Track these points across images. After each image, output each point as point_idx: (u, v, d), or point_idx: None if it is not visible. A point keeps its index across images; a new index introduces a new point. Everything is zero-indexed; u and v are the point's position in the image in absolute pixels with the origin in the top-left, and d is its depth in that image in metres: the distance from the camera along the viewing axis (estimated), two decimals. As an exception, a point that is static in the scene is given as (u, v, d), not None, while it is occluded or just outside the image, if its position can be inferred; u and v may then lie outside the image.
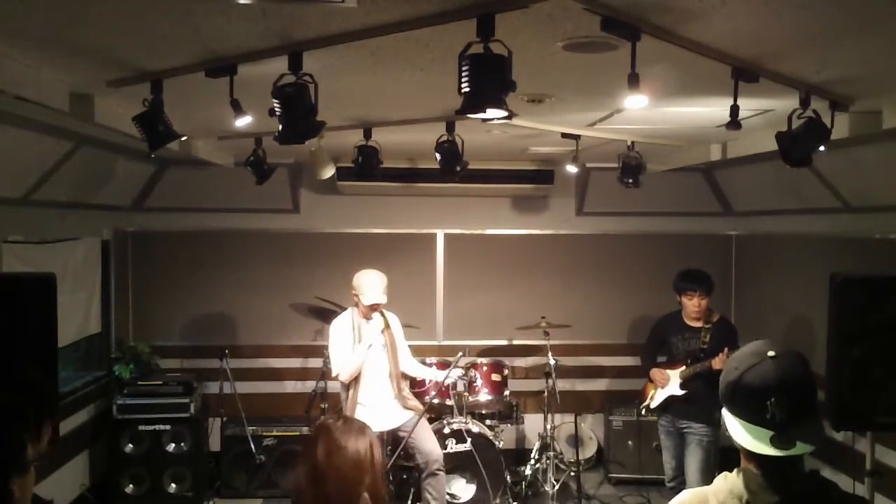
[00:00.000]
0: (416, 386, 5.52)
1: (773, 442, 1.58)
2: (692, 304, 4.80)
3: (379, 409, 4.73)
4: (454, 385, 5.35)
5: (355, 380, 4.74)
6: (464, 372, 5.32)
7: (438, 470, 4.75)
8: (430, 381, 5.31)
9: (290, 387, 6.47)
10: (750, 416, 1.62)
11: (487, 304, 6.58)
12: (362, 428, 2.19)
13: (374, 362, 4.77)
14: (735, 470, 1.69)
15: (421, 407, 4.85)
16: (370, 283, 4.70)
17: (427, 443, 4.75)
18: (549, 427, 5.62)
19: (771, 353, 1.63)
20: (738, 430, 1.64)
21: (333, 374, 4.81)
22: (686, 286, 4.83)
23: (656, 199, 6.38)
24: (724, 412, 1.71)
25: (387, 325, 4.79)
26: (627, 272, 6.62)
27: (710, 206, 6.63)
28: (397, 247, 6.54)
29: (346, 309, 4.97)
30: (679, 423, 4.84)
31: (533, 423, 6.32)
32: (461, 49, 2.22)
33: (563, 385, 5.99)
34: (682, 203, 6.57)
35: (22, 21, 2.36)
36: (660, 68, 2.81)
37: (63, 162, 4.49)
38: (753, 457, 1.64)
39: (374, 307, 4.70)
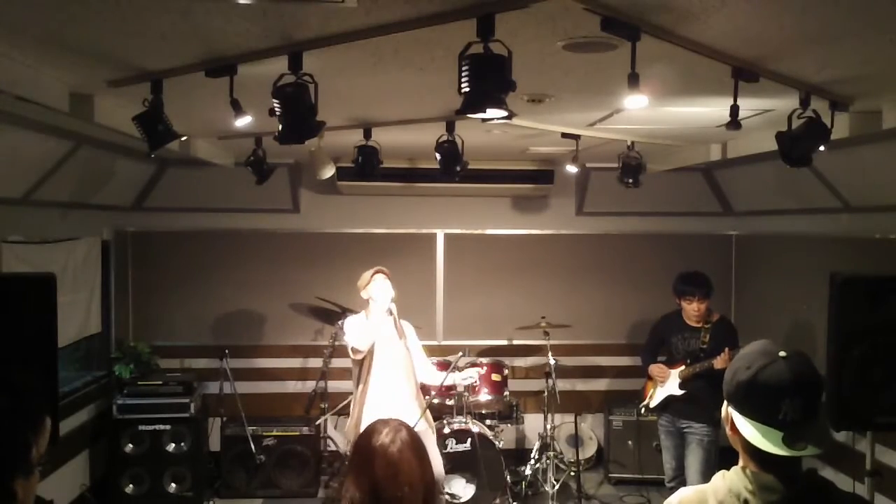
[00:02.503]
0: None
1: (785, 442, 1.58)
2: (692, 308, 4.80)
3: (391, 409, 4.58)
4: (454, 385, 5.33)
5: (368, 376, 4.61)
6: (472, 377, 5.21)
7: (440, 492, 4.71)
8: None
9: (290, 387, 6.47)
10: (762, 416, 1.61)
11: (487, 304, 6.59)
12: (412, 440, 2.16)
13: (387, 360, 4.66)
14: (733, 468, 1.69)
15: (430, 421, 4.79)
16: (368, 275, 4.64)
17: (432, 459, 4.69)
18: (549, 427, 5.63)
19: (782, 354, 1.63)
20: (750, 431, 1.63)
21: (350, 346, 4.61)
22: (685, 290, 4.82)
23: (656, 199, 6.38)
24: (733, 412, 1.69)
25: (396, 323, 4.67)
26: (627, 272, 6.63)
27: (710, 206, 6.63)
28: (397, 247, 6.54)
29: (353, 311, 4.93)
30: (679, 423, 4.84)
31: (533, 423, 6.33)
32: (461, 49, 2.22)
33: (563, 385, 5.99)
34: (682, 203, 6.57)
35: (22, 21, 2.36)
36: (660, 68, 2.81)
37: (63, 162, 4.49)
38: (755, 456, 1.64)
39: (378, 271, 4.62)
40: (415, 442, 2.15)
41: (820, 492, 1.65)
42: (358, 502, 2.08)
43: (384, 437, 2.12)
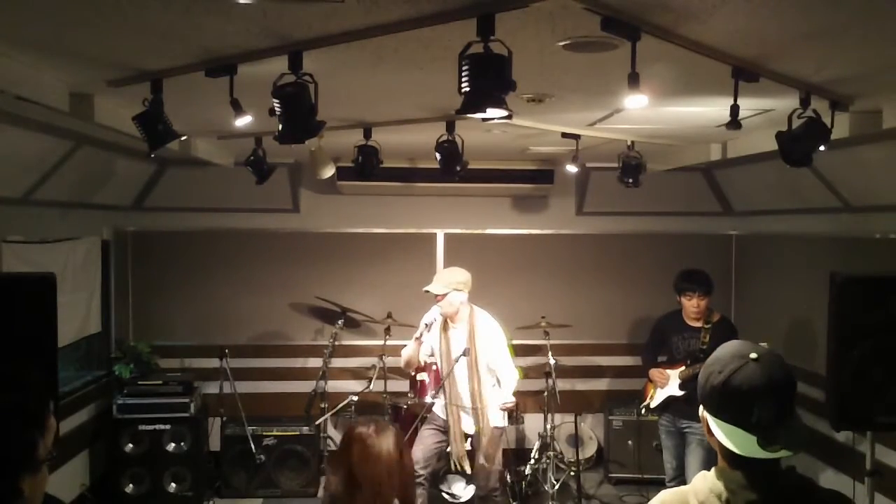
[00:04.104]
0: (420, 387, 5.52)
1: (760, 444, 1.58)
2: (691, 305, 4.81)
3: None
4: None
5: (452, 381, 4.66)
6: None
7: (495, 495, 4.72)
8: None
9: (290, 387, 6.46)
10: (736, 419, 1.61)
11: (487, 303, 6.56)
12: (393, 433, 2.22)
13: (457, 368, 4.70)
14: (713, 469, 1.69)
15: (490, 428, 4.75)
16: (435, 276, 4.73)
17: (490, 468, 4.69)
18: (549, 427, 5.63)
19: (753, 355, 1.62)
20: (723, 435, 1.64)
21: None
22: (685, 286, 4.84)
23: (656, 199, 6.38)
24: (707, 416, 1.69)
25: (470, 338, 4.68)
26: (627, 272, 6.62)
27: (710, 206, 6.63)
28: (397, 247, 6.54)
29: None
30: (679, 423, 4.84)
31: (533, 423, 6.32)
32: (461, 49, 2.22)
33: (563, 385, 5.98)
34: (682, 203, 6.57)
35: (22, 21, 2.36)
36: (660, 68, 2.80)
37: (63, 162, 4.49)
38: (732, 459, 1.64)
39: (435, 298, 4.65)
40: (397, 438, 2.20)
41: (801, 489, 1.66)
42: (335, 489, 2.12)
43: (366, 429, 2.18)
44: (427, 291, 4.66)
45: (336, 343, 6.05)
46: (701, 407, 1.73)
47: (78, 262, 5.44)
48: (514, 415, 5.89)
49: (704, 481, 1.67)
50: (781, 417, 1.59)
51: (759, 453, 1.58)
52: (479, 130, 4.33)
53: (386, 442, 2.17)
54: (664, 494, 1.76)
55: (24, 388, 1.55)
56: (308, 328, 6.52)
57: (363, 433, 2.19)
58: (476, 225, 6.66)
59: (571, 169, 5.00)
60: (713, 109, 3.60)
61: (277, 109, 2.66)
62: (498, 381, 4.89)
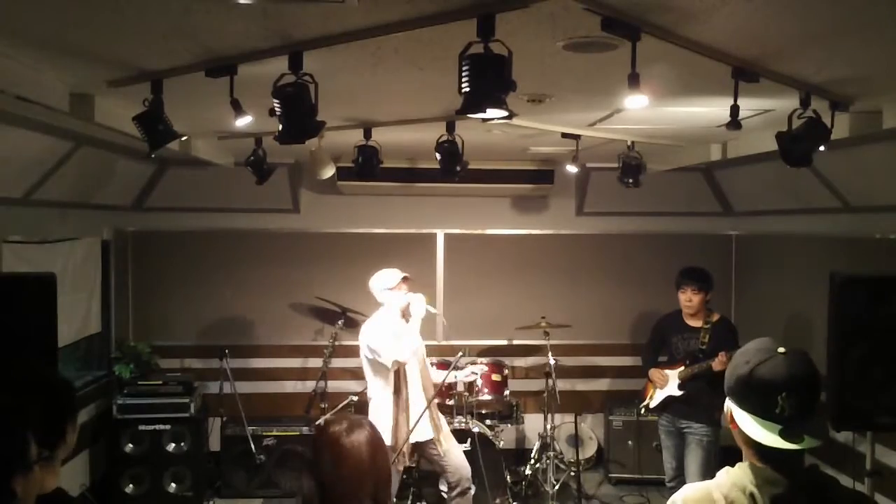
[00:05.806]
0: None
1: (783, 435, 1.62)
2: (684, 299, 4.84)
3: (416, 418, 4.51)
4: (455, 385, 5.33)
5: (404, 383, 4.51)
6: (469, 372, 5.23)
7: (469, 488, 4.64)
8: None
9: (290, 387, 6.47)
10: (760, 410, 1.66)
11: (487, 304, 6.58)
12: (368, 433, 2.15)
13: (418, 366, 4.61)
14: (738, 464, 1.71)
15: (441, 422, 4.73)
16: (387, 271, 4.64)
17: (457, 458, 4.64)
18: (549, 427, 5.62)
19: (781, 350, 1.67)
20: (748, 424, 1.68)
21: (391, 361, 4.43)
22: (680, 280, 4.90)
23: (656, 199, 6.38)
24: (732, 406, 1.73)
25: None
26: (627, 272, 6.63)
27: (710, 206, 6.63)
28: (397, 247, 6.53)
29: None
30: (679, 423, 4.85)
31: (533, 423, 6.32)
32: (461, 49, 2.22)
33: (563, 385, 5.98)
34: (682, 203, 6.58)
35: (22, 21, 2.36)
36: (660, 68, 2.80)
37: (63, 162, 4.49)
38: (758, 451, 1.67)
39: (406, 279, 4.61)
40: (372, 439, 2.12)
41: (823, 486, 1.68)
42: (309, 492, 2.07)
43: (339, 429, 2.10)
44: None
45: (336, 343, 6.05)
46: (726, 399, 1.76)
47: (78, 262, 5.44)
48: (515, 415, 5.89)
49: (728, 476, 1.71)
50: (804, 411, 1.64)
51: (781, 444, 1.62)
52: (480, 130, 4.33)
53: (361, 446, 2.07)
54: (687, 490, 1.78)
55: (27, 389, 1.55)
56: (308, 328, 6.52)
57: (337, 436, 2.08)
58: (476, 225, 6.66)
59: (571, 169, 5.00)
60: (713, 110, 3.60)
61: (277, 109, 2.66)
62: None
